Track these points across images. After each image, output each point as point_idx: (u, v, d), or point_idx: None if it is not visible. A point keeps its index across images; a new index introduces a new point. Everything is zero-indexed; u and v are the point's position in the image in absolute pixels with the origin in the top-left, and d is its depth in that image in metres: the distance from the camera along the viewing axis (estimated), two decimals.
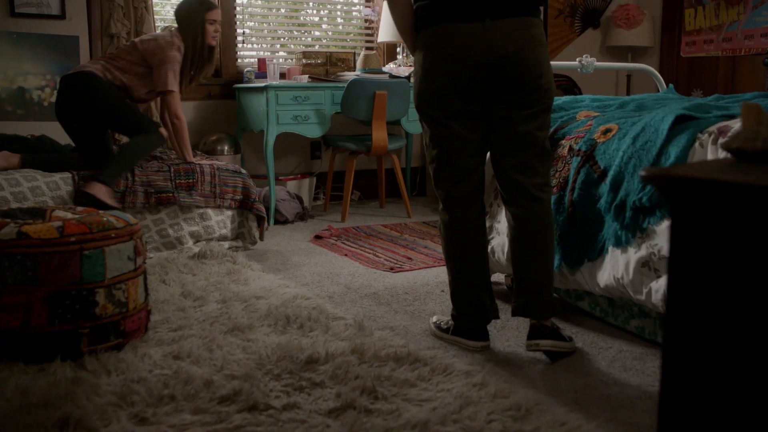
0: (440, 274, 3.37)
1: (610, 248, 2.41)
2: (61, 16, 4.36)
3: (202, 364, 2.16)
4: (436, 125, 2.34)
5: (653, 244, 2.25)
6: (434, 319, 2.59)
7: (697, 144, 2.26)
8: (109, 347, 2.24)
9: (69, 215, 2.40)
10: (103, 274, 2.21)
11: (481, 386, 2.00)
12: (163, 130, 3.76)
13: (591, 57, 3.67)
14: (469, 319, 2.43)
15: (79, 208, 2.52)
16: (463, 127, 2.32)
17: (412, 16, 2.34)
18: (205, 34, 3.77)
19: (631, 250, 2.32)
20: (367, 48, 5.56)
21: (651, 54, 6.04)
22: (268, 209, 4.49)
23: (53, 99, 4.36)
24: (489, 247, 2.79)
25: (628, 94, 5.95)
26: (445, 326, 2.50)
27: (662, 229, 2.24)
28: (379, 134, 4.62)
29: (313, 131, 4.64)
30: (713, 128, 2.27)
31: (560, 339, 2.35)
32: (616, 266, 2.38)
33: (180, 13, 3.82)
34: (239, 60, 5.13)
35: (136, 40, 3.79)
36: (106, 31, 4.45)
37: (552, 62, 4.60)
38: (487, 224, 2.88)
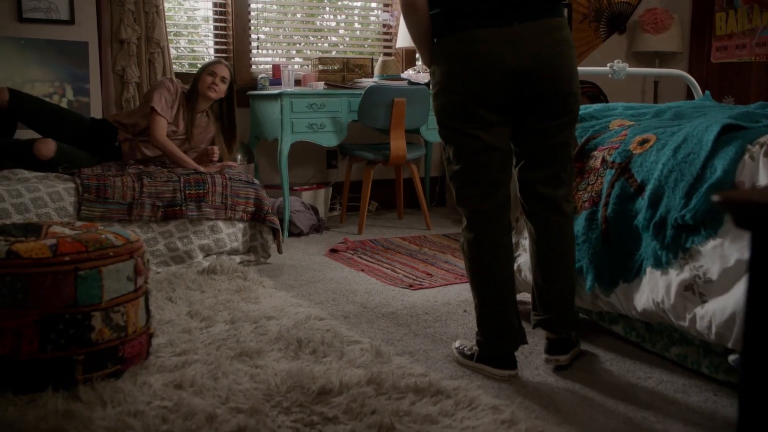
0: (462, 291, 3.18)
1: (649, 269, 2.22)
2: (70, 21, 4.23)
3: (205, 395, 1.99)
4: (463, 138, 2.16)
5: (698, 266, 2.05)
6: (457, 344, 2.41)
7: (746, 156, 2.07)
8: (107, 375, 2.08)
9: (67, 231, 2.24)
10: (100, 296, 2.05)
11: (510, 424, 1.82)
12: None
13: (623, 62, 3.48)
14: (495, 345, 2.24)
15: (78, 224, 2.36)
16: (493, 138, 2.15)
17: (430, 23, 2.16)
18: (199, 81, 3.87)
19: (673, 272, 2.13)
20: (385, 54, 5.40)
21: (679, 59, 5.83)
22: (282, 221, 4.33)
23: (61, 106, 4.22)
24: (515, 265, 2.61)
25: (655, 101, 5.74)
26: (469, 352, 2.32)
27: (708, 249, 2.04)
28: (398, 143, 4.44)
29: (329, 140, 4.47)
30: (764, 139, 2.07)
31: (575, 345, 2.38)
32: (655, 289, 2.19)
33: None
34: (253, 66, 4.98)
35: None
36: (116, 36, 4.31)
37: (580, 68, 4.42)
38: (513, 240, 2.69)
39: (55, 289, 1.98)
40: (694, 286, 2.05)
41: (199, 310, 2.78)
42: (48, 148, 3.50)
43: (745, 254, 1.95)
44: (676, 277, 2.10)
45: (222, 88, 3.86)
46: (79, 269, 2.01)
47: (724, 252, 2.00)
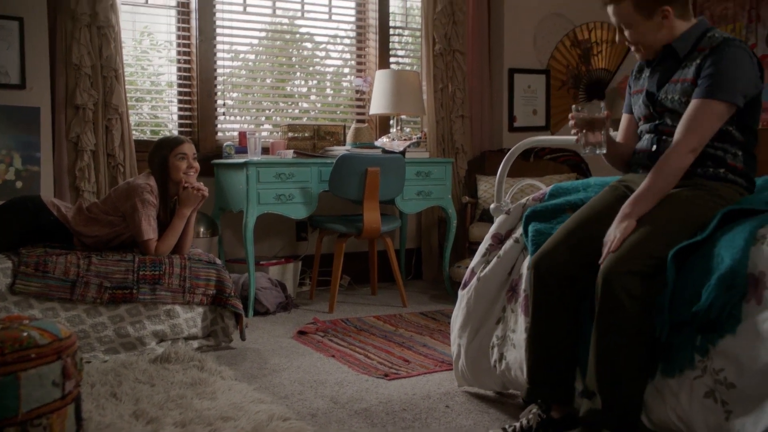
0: (443, 381, 2.88)
1: (658, 372, 1.94)
2: (21, 85, 3.95)
3: None
4: None
5: (717, 369, 1.78)
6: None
7: (764, 245, 1.83)
8: None
9: None
10: (16, 407, 1.72)
11: None
12: None
13: (613, 131, 3.26)
14: None
15: (1, 315, 2.05)
16: None
17: None
18: (171, 171, 3.34)
19: (689, 375, 1.85)
20: (359, 120, 5.18)
21: None
22: (246, 299, 4.02)
23: (8, 176, 3.92)
24: (504, 363, 2.33)
25: None
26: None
27: (727, 348, 1.78)
28: (371, 215, 4.18)
29: (299, 212, 4.20)
30: None
31: None
32: (669, 395, 1.91)
33: (149, 154, 3.43)
34: (219, 134, 4.73)
35: (112, 189, 3.42)
36: (71, 102, 4.04)
37: (562, 137, 4.21)
38: (500, 333, 2.42)
39: None
40: (716, 393, 1.77)
41: (146, 410, 2.44)
42: None
43: None
44: (693, 381, 1.83)
45: (197, 165, 3.42)
46: None
47: (747, 352, 1.73)
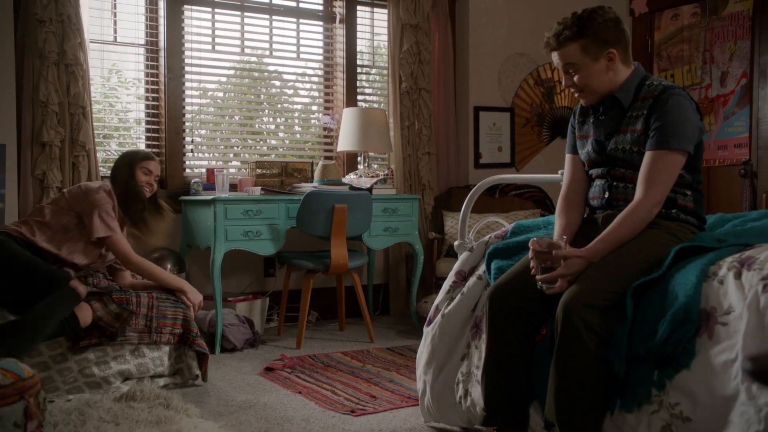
0: (409, 417, 2.90)
1: (617, 407, 1.99)
2: None
3: None
4: None
5: (673, 403, 1.83)
6: None
7: (715, 281, 1.90)
8: None
9: None
10: None
11: None
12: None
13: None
14: None
15: None
16: None
17: None
18: (135, 179, 3.38)
19: (646, 409, 1.90)
20: (326, 157, 5.23)
21: None
22: (214, 335, 4.01)
23: None
24: (469, 399, 2.35)
25: None
26: None
27: (683, 382, 1.83)
28: (339, 251, 4.21)
29: (266, 248, 4.22)
30: (731, 260, 1.92)
31: None
32: (627, 428, 1.95)
33: (114, 163, 3.48)
34: (187, 170, 4.74)
35: (64, 190, 3.41)
36: (37, 139, 4.04)
37: (528, 175, 4.28)
38: (464, 369, 2.45)
39: None
40: (673, 427, 1.82)
41: None
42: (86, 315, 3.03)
43: (727, 389, 1.74)
44: (651, 415, 1.88)
45: (155, 187, 3.47)
46: None
47: (701, 386, 1.79)
